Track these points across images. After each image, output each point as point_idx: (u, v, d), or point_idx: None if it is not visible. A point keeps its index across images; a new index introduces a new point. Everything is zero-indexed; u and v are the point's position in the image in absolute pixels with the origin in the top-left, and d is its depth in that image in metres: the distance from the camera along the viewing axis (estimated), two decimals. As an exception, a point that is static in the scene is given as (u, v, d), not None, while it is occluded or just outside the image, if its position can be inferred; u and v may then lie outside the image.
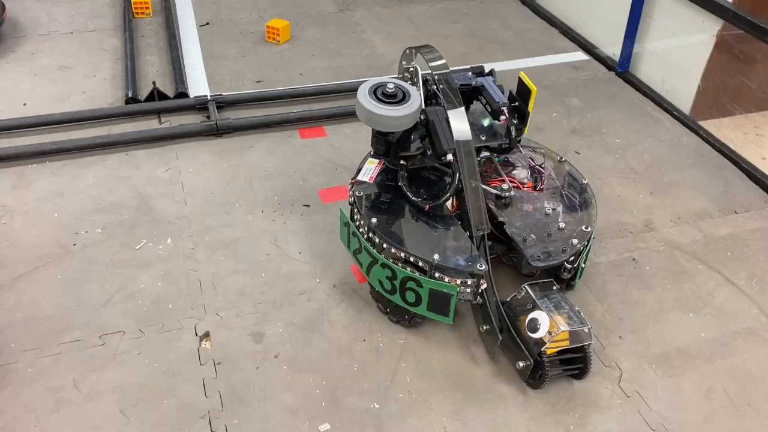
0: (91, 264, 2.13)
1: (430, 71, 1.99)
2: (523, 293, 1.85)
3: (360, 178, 2.04)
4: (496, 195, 2.04)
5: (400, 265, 1.82)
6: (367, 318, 2.00)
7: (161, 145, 2.68)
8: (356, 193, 1.99)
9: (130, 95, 2.87)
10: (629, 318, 2.05)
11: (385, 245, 1.86)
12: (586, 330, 1.74)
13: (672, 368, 1.91)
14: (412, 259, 1.82)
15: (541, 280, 1.89)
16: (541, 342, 1.73)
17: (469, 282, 1.79)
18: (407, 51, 2.08)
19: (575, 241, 1.93)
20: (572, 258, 1.92)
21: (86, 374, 1.80)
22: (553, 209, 2.03)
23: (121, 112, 2.82)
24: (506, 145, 2.07)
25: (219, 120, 2.75)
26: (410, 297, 1.84)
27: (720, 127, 2.99)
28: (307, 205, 2.40)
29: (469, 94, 2.12)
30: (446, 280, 1.79)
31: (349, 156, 2.64)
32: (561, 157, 2.22)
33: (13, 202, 2.36)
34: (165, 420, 1.70)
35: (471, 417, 1.75)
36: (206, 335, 1.92)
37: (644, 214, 2.46)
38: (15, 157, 2.55)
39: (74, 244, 2.20)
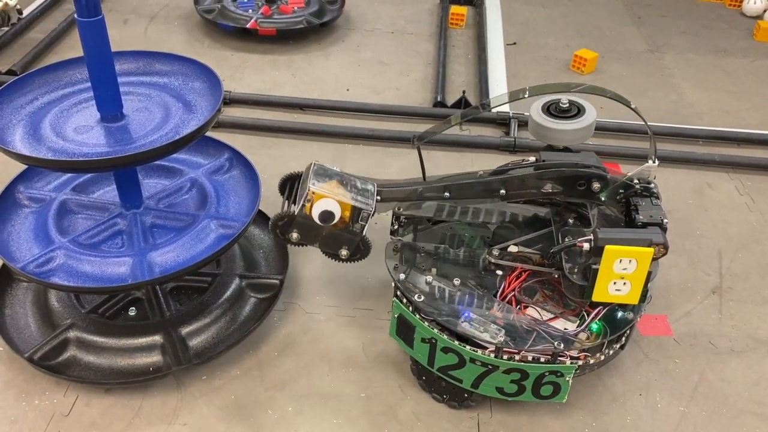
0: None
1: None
2: None
3: None
4: None
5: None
6: (645, 371, 1.92)
7: (459, 150, 2.83)
8: None
9: (438, 99, 3.08)
10: None
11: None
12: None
13: None
14: None
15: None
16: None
17: None
18: None
19: None
20: None
21: (374, 343, 1.98)
22: None
23: (428, 113, 3.03)
24: None
25: (517, 138, 2.83)
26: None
27: None
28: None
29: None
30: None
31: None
32: None
33: (332, 174, 2.67)
34: (437, 408, 1.81)
35: None
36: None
37: None
38: (336, 134, 2.88)
39: (375, 223, 2.42)
